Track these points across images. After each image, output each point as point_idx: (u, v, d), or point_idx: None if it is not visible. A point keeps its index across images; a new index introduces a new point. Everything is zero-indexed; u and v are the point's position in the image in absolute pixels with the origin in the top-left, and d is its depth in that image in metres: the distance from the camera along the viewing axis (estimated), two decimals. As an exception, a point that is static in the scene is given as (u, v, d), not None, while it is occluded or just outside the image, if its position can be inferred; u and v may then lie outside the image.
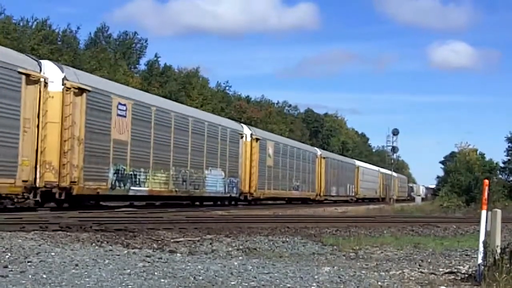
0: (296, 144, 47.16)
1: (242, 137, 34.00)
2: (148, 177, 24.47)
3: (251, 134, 35.27)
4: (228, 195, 32.28)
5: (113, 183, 22.22)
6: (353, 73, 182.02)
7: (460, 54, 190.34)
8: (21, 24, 49.49)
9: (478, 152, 62.03)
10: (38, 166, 18.49)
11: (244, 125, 36.31)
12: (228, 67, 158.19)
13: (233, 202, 33.25)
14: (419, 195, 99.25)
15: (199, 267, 7.92)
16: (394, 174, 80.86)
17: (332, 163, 53.45)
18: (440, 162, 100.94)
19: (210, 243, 11.20)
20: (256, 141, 35.26)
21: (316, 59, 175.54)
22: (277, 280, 7.15)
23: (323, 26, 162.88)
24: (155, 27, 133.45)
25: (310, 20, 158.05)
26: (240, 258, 9.43)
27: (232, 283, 6.91)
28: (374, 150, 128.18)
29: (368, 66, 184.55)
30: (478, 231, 8.10)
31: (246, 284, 6.88)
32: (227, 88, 75.98)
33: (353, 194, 60.93)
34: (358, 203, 56.41)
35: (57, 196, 19.65)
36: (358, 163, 66.60)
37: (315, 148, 53.60)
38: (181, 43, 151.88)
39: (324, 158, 50.55)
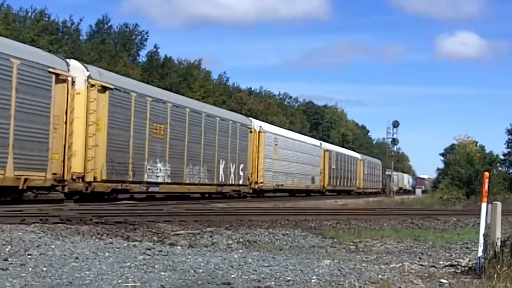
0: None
1: None
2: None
3: None
4: None
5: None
6: (359, 64, 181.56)
7: (469, 45, 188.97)
8: (21, 14, 49.45)
9: (478, 144, 61.96)
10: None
11: None
12: (235, 58, 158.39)
13: None
14: (401, 188, 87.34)
15: (199, 260, 7.92)
16: (357, 155, 63.04)
17: (168, 111, 25.29)
18: (440, 154, 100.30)
19: (210, 236, 11.21)
20: None
21: (323, 50, 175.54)
22: (277, 273, 7.15)
23: (331, 17, 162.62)
24: (163, 17, 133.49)
25: (319, 10, 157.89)
26: (240, 251, 9.44)
27: (232, 276, 6.91)
28: (374, 142, 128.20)
29: (374, 57, 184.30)
30: (478, 223, 8.11)
31: (246, 277, 6.88)
32: (225, 79, 75.98)
33: (246, 183, 33.49)
34: (261, 199, 31.52)
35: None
36: (258, 123, 36.74)
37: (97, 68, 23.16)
38: (189, 34, 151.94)
39: (129, 93, 22.37)
